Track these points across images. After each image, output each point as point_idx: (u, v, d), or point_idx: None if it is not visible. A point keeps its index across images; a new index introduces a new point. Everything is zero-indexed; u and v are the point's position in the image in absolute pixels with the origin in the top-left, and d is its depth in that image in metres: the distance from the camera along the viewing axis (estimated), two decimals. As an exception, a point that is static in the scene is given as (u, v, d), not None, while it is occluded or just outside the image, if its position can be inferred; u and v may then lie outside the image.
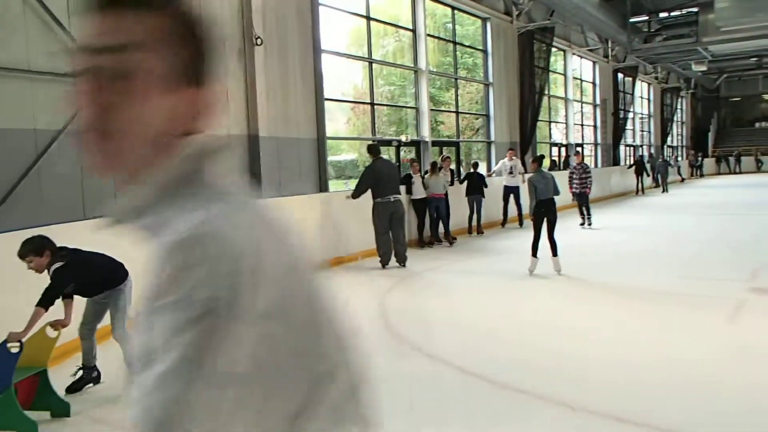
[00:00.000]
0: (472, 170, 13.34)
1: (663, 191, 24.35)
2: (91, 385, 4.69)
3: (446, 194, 11.57)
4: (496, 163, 15.34)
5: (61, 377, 4.57)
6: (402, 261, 9.50)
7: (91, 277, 4.40)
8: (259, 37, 9.45)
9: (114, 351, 5.00)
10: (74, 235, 5.62)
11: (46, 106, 7.02)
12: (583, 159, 14.93)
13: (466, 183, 12.88)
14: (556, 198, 8.42)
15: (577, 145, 23.53)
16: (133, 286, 4.66)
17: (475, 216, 13.02)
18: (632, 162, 24.56)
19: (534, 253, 8.51)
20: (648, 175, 23.78)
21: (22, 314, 4.18)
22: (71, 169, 7.26)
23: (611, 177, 23.17)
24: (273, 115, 9.93)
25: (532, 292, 7.59)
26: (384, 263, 9.51)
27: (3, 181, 6.61)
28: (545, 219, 8.33)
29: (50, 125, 7.04)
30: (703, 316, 6.16)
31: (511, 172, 14.12)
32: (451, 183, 12.22)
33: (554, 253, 8.37)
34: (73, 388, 4.58)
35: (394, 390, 4.44)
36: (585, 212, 13.87)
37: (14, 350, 3.97)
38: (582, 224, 13.74)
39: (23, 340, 3.99)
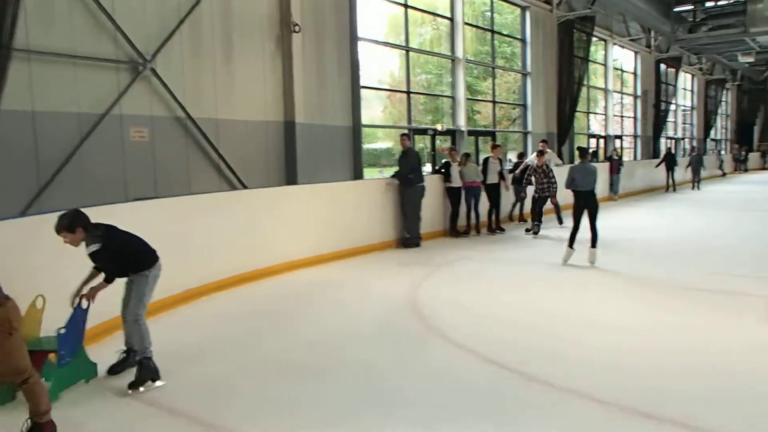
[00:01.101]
0: (517, 159, 13.41)
1: (693, 187, 22.10)
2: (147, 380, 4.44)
3: (482, 182, 11.51)
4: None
5: (102, 355, 4.71)
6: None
7: (122, 259, 4.40)
8: (297, 24, 9.51)
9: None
10: (115, 216, 5.79)
11: (90, 90, 7.21)
12: (543, 161, 11.62)
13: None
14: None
15: (616, 136, 23.08)
16: (159, 274, 4.59)
17: (518, 204, 13.20)
18: (662, 156, 22.32)
19: (570, 244, 8.45)
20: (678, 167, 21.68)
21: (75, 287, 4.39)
22: (113, 152, 7.46)
23: (635, 171, 20.78)
24: (309, 102, 10.00)
25: (563, 283, 7.50)
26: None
27: (49, 162, 6.82)
28: (585, 210, 8.26)
29: (93, 109, 7.23)
30: (735, 314, 6.02)
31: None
32: (501, 171, 11.94)
33: (593, 245, 8.30)
34: (114, 370, 4.59)
35: (422, 379, 4.47)
36: (536, 217, 11.52)
37: (84, 305, 4.40)
38: (528, 230, 11.60)
39: (92, 301, 4.38)
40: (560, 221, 12.24)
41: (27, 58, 6.50)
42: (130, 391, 4.23)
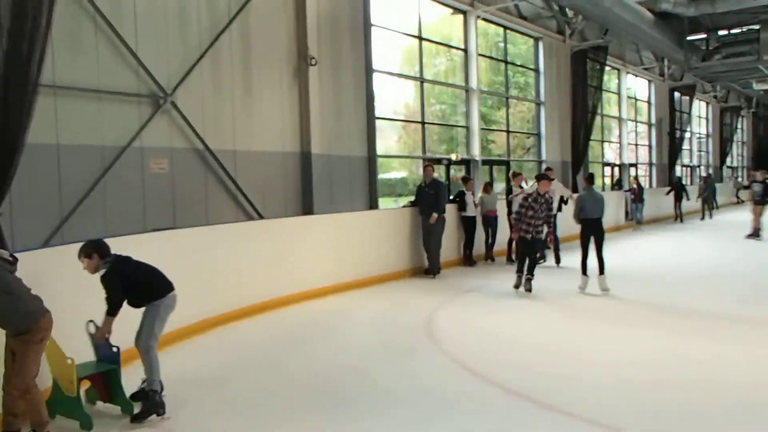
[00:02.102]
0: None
1: (702, 218, 21.26)
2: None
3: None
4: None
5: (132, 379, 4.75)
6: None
7: (132, 288, 4.43)
8: (313, 57, 9.69)
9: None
10: (136, 246, 5.89)
11: (112, 123, 7.38)
12: (549, 189, 8.69)
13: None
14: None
15: (631, 165, 23.02)
16: (173, 305, 4.60)
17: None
18: (672, 185, 21.52)
19: (584, 271, 8.50)
20: (688, 199, 20.75)
21: (98, 316, 4.46)
22: (133, 183, 7.60)
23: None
24: (326, 133, 10.14)
25: (581, 313, 7.47)
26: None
27: (72, 194, 6.97)
28: (592, 237, 8.34)
29: (115, 141, 7.40)
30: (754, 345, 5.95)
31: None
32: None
33: (601, 271, 8.35)
34: (136, 397, 4.60)
35: (438, 406, 4.46)
36: (530, 267, 8.62)
37: (114, 349, 4.48)
38: (518, 286, 8.65)
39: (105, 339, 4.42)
40: (558, 261, 10.98)
41: (53, 93, 6.69)
42: (132, 423, 4.23)
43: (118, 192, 7.39)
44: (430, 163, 11.21)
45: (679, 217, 20.79)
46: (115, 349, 4.47)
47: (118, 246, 5.60)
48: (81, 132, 7.06)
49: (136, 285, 4.45)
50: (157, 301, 4.51)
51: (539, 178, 8.73)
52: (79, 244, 5.40)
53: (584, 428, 4.03)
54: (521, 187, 11.47)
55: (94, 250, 4.40)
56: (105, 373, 4.47)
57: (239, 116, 8.90)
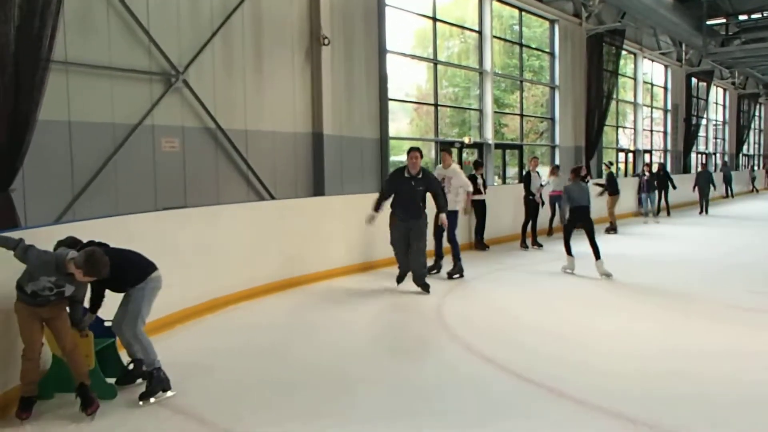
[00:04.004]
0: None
1: (701, 212, 18.39)
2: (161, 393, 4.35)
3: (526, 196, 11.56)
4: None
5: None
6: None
7: (114, 273, 4.15)
8: (326, 37, 9.61)
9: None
10: (145, 225, 5.90)
11: (124, 101, 7.37)
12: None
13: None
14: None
15: (645, 151, 22.78)
16: (159, 286, 4.47)
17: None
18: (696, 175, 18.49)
19: (568, 252, 8.84)
20: (674, 188, 17.36)
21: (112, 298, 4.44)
22: (145, 162, 7.60)
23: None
24: (338, 114, 10.09)
25: (593, 299, 7.41)
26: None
27: (83, 171, 6.98)
28: (580, 226, 8.67)
29: (127, 119, 7.38)
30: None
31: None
32: (541, 184, 11.95)
33: (597, 257, 8.56)
34: (120, 382, 4.50)
35: (449, 393, 4.44)
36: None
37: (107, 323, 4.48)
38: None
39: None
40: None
41: (65, 70, 6.67)
42: (140, 403, 4.19)
43: (129, 170, 7.39)
44: (446, 148, 9.73)
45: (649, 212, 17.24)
46: (108, 324, 4.43)
47: (129, 224, 5.63)
48: (92, 109, 7.05)
49: (118, 270, 4.20)
50: (141, 284, 4.36)
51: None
52: (92, 221, 5.43)
53: (596, 417, 3.99)
54: (538, 172, 11.88)
55: (78, 244, 4.22)
56: (103, 349, 4.44)
57: (251, 96, 8.86)
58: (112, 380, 4.45)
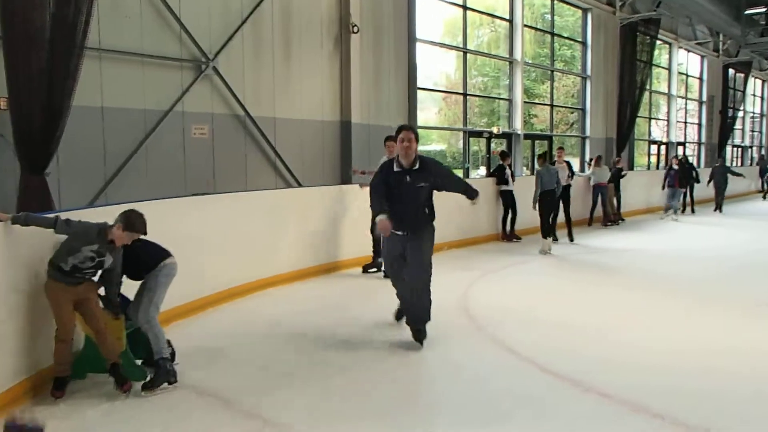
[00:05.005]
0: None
1: (715, 209, 16.67)
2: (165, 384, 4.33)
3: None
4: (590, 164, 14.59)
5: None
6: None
7: (130, 259, 4.30)
8: (355, 25, 9.59)
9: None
10: (176, 210, 5.99)
11: (155, 87, 7.46)
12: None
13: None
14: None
15: (679, 143, 22.32)
16: (173, 273, 4.48)
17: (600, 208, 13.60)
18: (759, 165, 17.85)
19: (545, 236, 9.75)
20: (698, 182, 16.18)
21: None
22: (175, 148, 7.69)
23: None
24: (366, 103, 10.07)
25: (618, 292, 7.32)
26: None
27: (115, 156, 7.10)
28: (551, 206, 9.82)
29: (158, 106, 7.48)
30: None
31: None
32: (571, 176, 11.85)
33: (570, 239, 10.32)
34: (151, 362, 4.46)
35: (471, 383, 4.44)
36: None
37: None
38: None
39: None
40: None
41: (98, 57, 6.77)
42: (143, 393, 4.17)
43: (159, 156, 7.49)
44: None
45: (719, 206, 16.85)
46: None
47: (160, 209, 5.71)
48: (124, 95, 7.15)
49: (134, 256, 4.31)
50: (155, 270, 4.40)
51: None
52: (124, 206, 5.52)
53: (621, 412, 3.94)
54: (565, 161, 11.89)
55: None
56: (133, 332, 4.47)
57: (279, 83, 8.89)
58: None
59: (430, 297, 5.32)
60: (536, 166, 10.46)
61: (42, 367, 4.21)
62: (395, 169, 5.24)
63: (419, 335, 5.25)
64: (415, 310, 5.31)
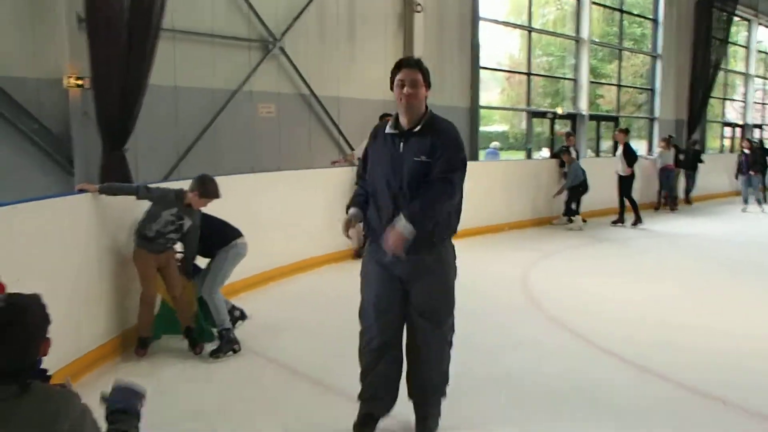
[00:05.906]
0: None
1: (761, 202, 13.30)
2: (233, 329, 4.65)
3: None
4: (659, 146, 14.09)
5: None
6: None
7: (204, 235, 4.55)
8: (419, 4, 9.58)
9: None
10: (243, 187, 6.20)
11: (224, 67, 7.70)
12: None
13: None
14: None
15: (755, 126, 21.26)
16: (242, 252, 4.68)
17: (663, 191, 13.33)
18: None
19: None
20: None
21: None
22: (243, 126, 7.93)
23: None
24: (428, 82, 10.04)
25: (682, 276, 7.12)
26: None
27: (187, 133, 7.39)
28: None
29: (227, 85, 7.72)
30: None
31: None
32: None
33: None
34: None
35: (537, 365, 4.46)
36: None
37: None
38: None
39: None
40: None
41: (172, 38, 7.04)
42: (210, 358, 4.38)
43: (228, 133, 7.75)
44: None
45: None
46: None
47: (229, 185, 5.92)
48: (196, 75, 7.42)
49: (207, 233, 4.56)
50: (226, 247, 4.61)
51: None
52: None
53: (683, 396, 3.89)
54: (627, 143, 10.92)
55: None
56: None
57: (343, 63, 9.01)
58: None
59: (450, 353, 3.35)
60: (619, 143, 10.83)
61: (127, 327, 4.53)
62: (387, 130, 3.20)
63: (428, 425, 3.25)
64: (422, 381, 3.29)
